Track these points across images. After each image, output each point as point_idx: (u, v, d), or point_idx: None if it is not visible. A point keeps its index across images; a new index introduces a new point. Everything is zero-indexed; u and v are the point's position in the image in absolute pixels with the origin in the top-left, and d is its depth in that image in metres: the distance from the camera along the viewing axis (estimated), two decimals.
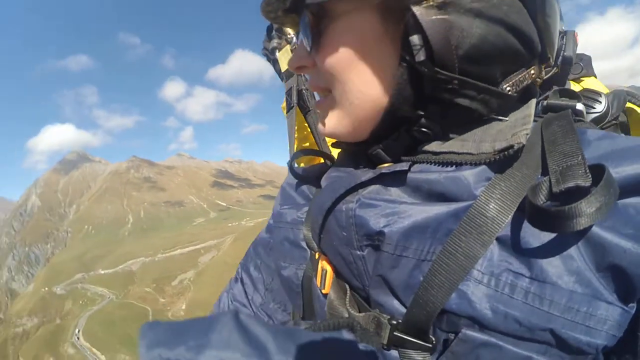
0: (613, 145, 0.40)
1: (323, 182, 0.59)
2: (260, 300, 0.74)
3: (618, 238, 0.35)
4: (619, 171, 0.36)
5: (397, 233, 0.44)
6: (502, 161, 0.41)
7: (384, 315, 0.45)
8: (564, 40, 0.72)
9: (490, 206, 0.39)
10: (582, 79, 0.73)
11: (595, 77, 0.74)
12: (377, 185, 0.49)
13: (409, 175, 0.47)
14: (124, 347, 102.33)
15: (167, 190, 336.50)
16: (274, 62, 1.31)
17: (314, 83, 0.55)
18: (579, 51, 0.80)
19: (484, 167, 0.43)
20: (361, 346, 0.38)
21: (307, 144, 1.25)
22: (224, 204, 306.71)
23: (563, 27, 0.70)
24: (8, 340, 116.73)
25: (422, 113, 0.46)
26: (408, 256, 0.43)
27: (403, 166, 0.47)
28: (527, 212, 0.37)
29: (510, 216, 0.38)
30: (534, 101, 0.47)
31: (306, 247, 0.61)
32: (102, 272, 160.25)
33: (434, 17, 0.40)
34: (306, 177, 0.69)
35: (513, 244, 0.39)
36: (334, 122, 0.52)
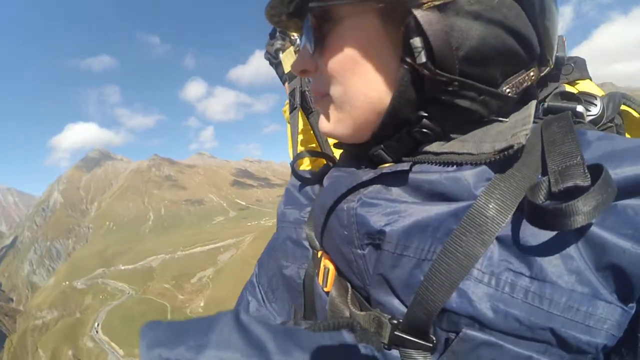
0: (613, 146, 0.40)
1: (325, 182, 0.60)
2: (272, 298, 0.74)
3: (617, 238, 0.35)
4: (619, 172, 0.36)
5: (398, 232, 0.44)
6: (502, 161, 0.41)
7: (385, 315, 0.44)
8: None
9: (490, 206, 0.39)
10: (577, 81, 0.73)
11: (590, 79, 0.74)
12: (378, 185, 0.50)
13: (410, 175, 0.47)
14: None
15: (187, 188, 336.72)
16: (277, 66, 1.32)
17: (316, 88, 0.54)
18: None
19: (484, 167, 0.43)
20: (361, 346, 0.39)
21: (314, 145, 1.23)
22: (244, 203, 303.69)
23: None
24: (27, 332, 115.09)
25: (423, 114, 0.46)
26: (408, 255, 0.43)
27: (404, 166, 0.47)
28: (526, 210, 0.37)
29: (510, 216, 0.38)
30: (534, 102, 0.47)
31: (308, 247, 0.61)
32: (123, 267, 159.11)
33: (434, 19, 0.40)
34: (309, 178, 0.70)
35: (513, 244, 0.39)
36: (335, 123, 0.53)
